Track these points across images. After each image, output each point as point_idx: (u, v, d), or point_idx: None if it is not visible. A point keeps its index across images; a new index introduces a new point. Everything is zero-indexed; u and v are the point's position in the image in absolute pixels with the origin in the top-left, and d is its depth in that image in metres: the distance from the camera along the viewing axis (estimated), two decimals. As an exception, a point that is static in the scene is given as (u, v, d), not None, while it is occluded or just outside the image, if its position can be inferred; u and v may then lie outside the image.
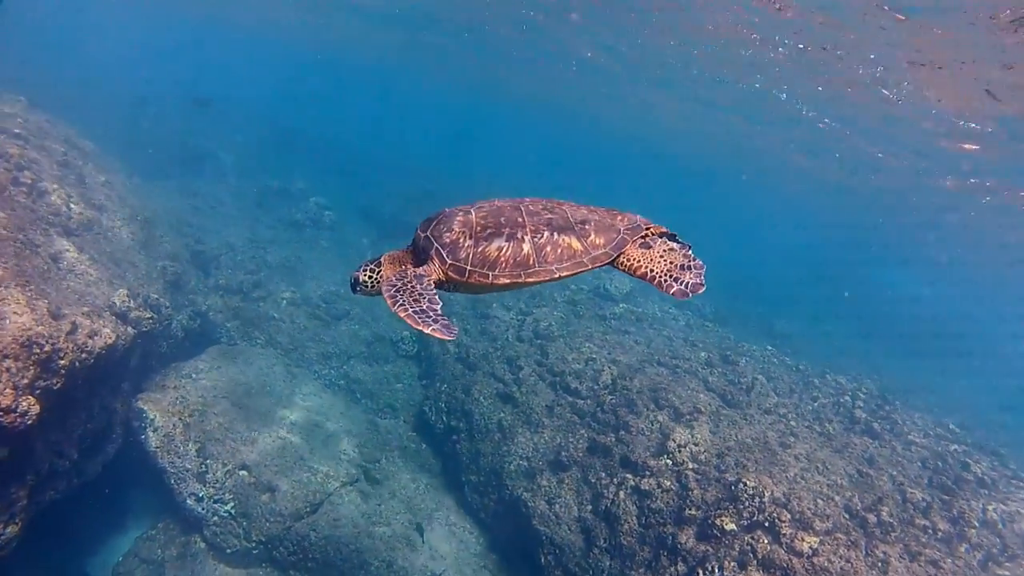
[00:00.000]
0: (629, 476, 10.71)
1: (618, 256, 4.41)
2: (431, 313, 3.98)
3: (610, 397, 12.43)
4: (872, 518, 9.86)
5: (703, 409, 12.31)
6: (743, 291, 26.94)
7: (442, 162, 36.39)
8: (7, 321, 8.32)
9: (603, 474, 11.07)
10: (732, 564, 8.85)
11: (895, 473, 11.88)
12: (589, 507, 10.91)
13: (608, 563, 10.15)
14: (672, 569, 9.46)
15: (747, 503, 9.54)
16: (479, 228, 4.19)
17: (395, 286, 4.14)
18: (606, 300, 18.23)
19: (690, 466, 10.57)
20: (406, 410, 14.72)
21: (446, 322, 3.96)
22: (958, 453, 13.21)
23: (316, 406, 13.30)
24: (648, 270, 4.45)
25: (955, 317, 40.82)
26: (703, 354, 15.44)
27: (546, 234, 4.20)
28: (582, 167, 61.35)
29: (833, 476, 11.09)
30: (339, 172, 30.49)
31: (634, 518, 10.25)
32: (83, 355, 9.28)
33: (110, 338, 9.95)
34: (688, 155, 45.94)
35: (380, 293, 4.34)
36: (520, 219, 4.22)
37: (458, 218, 4.25)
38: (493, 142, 59.59)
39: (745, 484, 9.74)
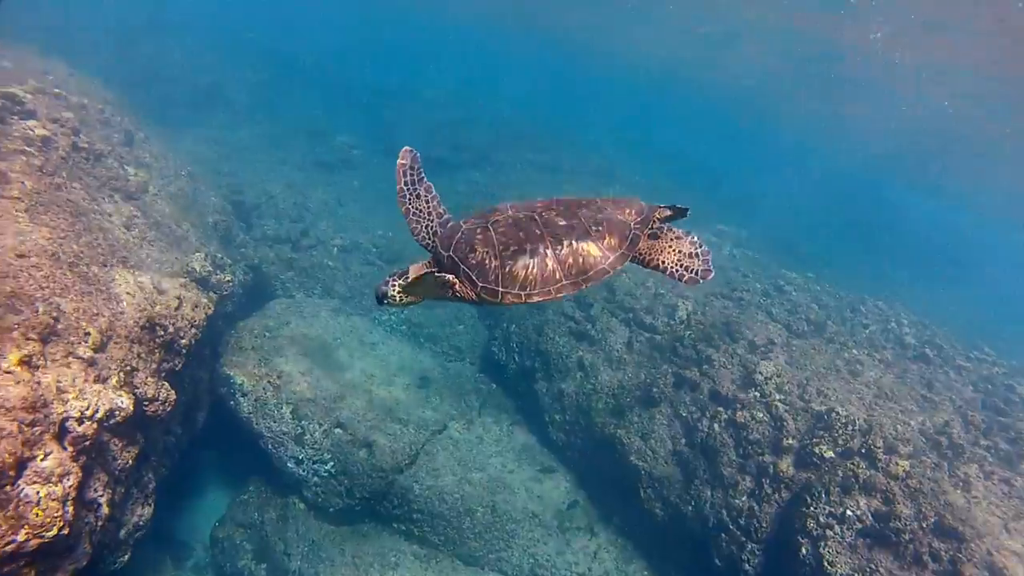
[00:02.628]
0: (721, 409, 10.80)
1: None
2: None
3: (687, 332, 12.43)
4: (944, 440, 10.33)
5: (776, 340, 12.47)
6: (770, 217, 26.85)
7: (462, 94, 34.93)
8: (123, 304, 7.96)
9: (694, 408, 11.15)
10: (836, 489, 9.08)
11: (953, 396, 12.33)
12: (684, 441, 11.03)
13: (709, 493, 10.33)
14: (776, 496, 9.67)
15: (841, 431, 9.77)
16: (501, 247, 4.21)
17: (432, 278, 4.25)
18: None
19: (777, 397, 10.71)
20: (471, 351, 14.61)
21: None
22: (1000, 375, 13.61)
23: (387, 354, 13.14)
24: (659, 262, 4.70)
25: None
26: (757, 285, 15.50)
27: (566, 245, 4.26)
28: (608, 97, 59.57)
29: (903, 402, 11.44)
30: (358, 107, 29.30)
31: (732, 450, 10.40)
32: (194, 331, 9.03)
33: (208, 308, 9.68)
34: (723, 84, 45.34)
35: (411, 303, 4.52)
36: (538, 231, 4.27)
37: (478, 237, 4.26)
38: (514, 73, 57.45)
39: (838, 413, 9.99)
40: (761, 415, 10.39)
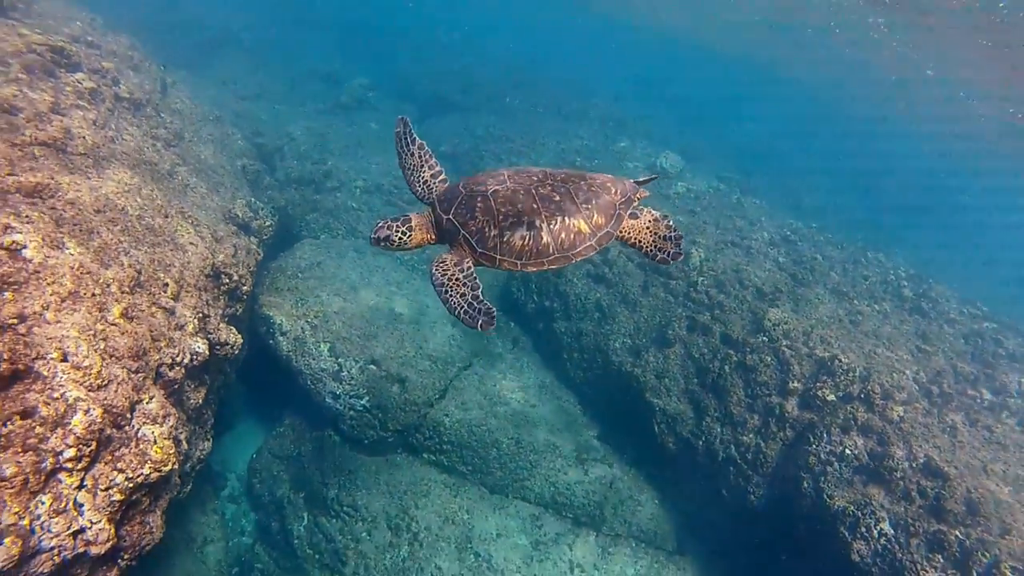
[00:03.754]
0: (732, 352, 11.49)
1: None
2: (476, 304, 4.67)
3: (700, 278, 13.04)
4: (935, 389, 11.10)
5: (782, 289, 13.11)
6: (765, 164, 26.95)
7: (477, 39, 34.49)
8: (188, 253, 8.45)
9: (706, 350, 11.82)
10: (836, 430, 9.96)
11: (946, 348, 13.00)
12: (696, 380, 11.74)
13: (719, 430, 11.10)
14: (781, 435, 10.51)
15: (842, 377, 10.56)
16: (500, 216, 4.66)
17: (442, 283, 4.73)
18: (663, 178, 18.42)
19: (784, 343, 11.39)
20: (491, 290, 15.18)
21: (490, 311, 4.68)
22: (990, 331, 14.20)
23: (413, 292, 13.69)
24: (637, 241, 5.32)
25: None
26: (765, 234, 15.98)
27: (559, 220, 4.73)
28: (622, 44, 58.28)
29: (899, 352, 12.13)
30: (369, 49, 29.17)
31: (741, 390, 11.15)
32: (250, 275, 9.54)
33: (258, 255, 10.22)
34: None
35: (405, 251, 5.11)
36: (535, 205, 4.70)
37: (478, 205, 4.69)
38: (530, 20, 56.04)
39: (840, 360, 10.74)
40: (769, 359, 11.11)
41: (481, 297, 4.74)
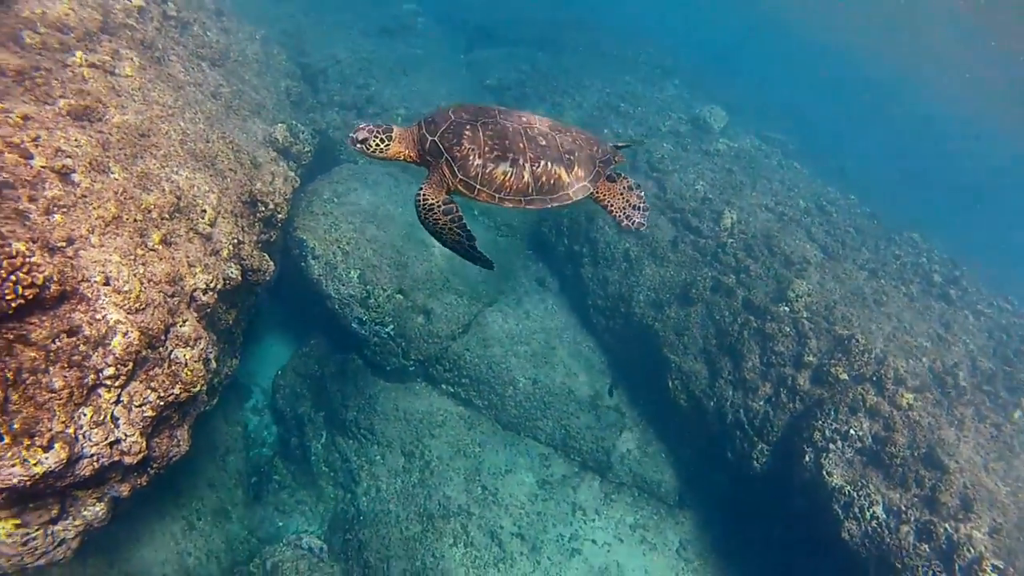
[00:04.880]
0: (752, 318, 11.64)
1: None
2: (473, 253, 4.89)
3: (730, 240, 13.10)
4: (950, 380, 11.10)
5: (810, 260, 13.09)
6: (811, 130, 26.26)
7: None
8: (227, 180, 8.68)
9: (727, 313, 11.97)
10: (845, 409, 10.11)
11: (967, 340, 12.95)
12: (714, 341, 11.93)
13: (731, 393, 11.33)
14: (790, 406, 10.72)
15: (857, 357, 10.66)
16: (487, 148, 4.75)
17: (436, 231, 4.90)
18: (706, 133, 18.09)
19: (804, 315, 11.52)
20: (522, 229, 15.33)
21: (485, 258, 4.93)
22: (1017, 326, 14.08)
23: (444, 226, 13.86)
24: (609, 204, 5.52)
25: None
26: (801, 202, 15.80)
27: (542, 164, 4.87)
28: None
29: (919, 338, 12.15)
30: None
31: (757, 356, 11.33)
32: (285, 204, 9.76)
33: (295, 182, 10.42)
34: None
35: (378, 159, 5.05)
36: (521, 144, 4.82)
37: (466, 132, 4.77)
38: None
39: (858, 340, 10.82)
40: (788, 329, 11.25)
41: (476, 246, 4.91)
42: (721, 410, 11.29)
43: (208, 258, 7.38)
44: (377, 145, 4.95)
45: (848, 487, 9.35)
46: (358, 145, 4.97)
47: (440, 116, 4.89)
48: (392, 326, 11.80)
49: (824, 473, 9.61)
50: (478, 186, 4.76)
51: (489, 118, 4.87)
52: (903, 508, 8.98)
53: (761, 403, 10.91)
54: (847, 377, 10.46)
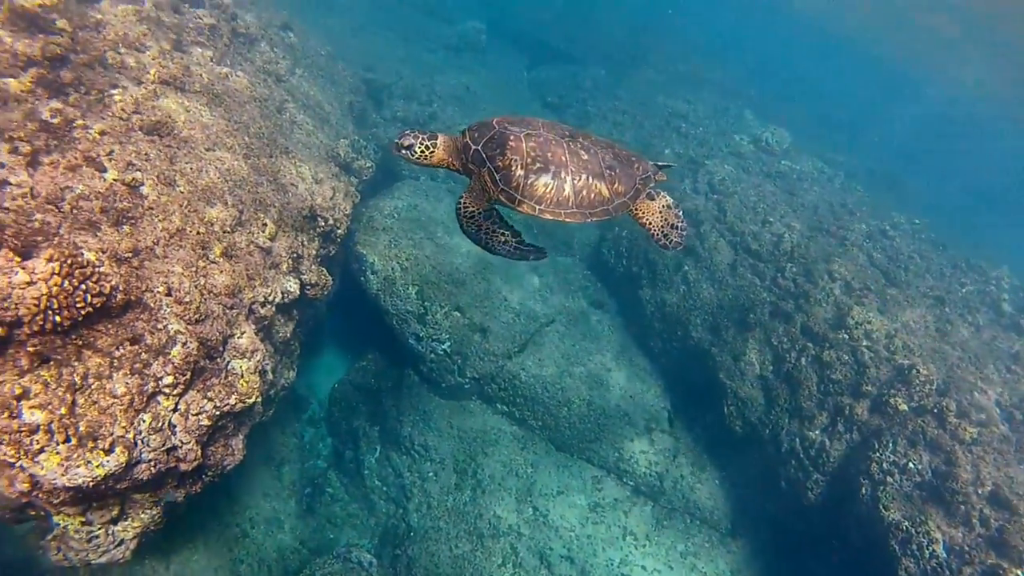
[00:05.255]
0: (810, 345, 11.31)
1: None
2: (520, 249, 4.92)
3: (789, 264, 12.80)
4: (1018, 415, 10.48)
5: (872, 287, 12.61)
6: (875, 152, 25.65)
7: None
8: (288, 195, 8.85)
9: (785, 339, 11.67)
10: (904, 441, 9.70)
11: None
12: (771, 368, 11.65)
13: (787, 421, 11.02)
14: (847, 436, 10.36)
15: (918, 388, 10.19)
16: (529, 160, 4.72)
17: (477, 237, 4.93)
18: (768, 155, 17.80)
19: (864, 343, 11.10)
20: (581, 249, 15.32)
21: (536, 249, 4.96)
22: None
23: (503, 244, 13.90)
24: (647, 222, 5.48)
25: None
26: (863, 225, 15.30)
27: (583, 178, 4.85)
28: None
29: (985, 370, 11.52)
30: None
31: (814, 385, 10.99)
32: (345, 219, 9.91)
33: (356, 197, 10.59)
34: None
35: (421, 165, 5.14)
36: (564, 158, 4.80)
37: (510, 143, 4.73)
38: None
39: (918, 371, 10.33)
40: (846, 358, 10.90)
41: (523, 239, 4.94)
42: (776, 438, 11.02)
43: (267, 271, 7.52)
44: (422, 151, 5.01)
45: (906, 523, 8.95)
46: (403, 151, 5.03)
47: (485, 125, 4.92)
48: (449, 343, 11.83)
49: (881, 507, 9.24)
50: (519, 197, 4.75)
51: (533, 130, 4.88)
52: (966, 549, 8.56)
53: (817, 432, 10.61)
54: (907, 408, 10.07)
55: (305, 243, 8.73)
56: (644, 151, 16.01)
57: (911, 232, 16.06)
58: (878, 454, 9.67)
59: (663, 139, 17.69)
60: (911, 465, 9.46)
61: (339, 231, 9.59)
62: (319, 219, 9.16)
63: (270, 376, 7.68)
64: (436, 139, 5.04)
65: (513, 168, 4.71)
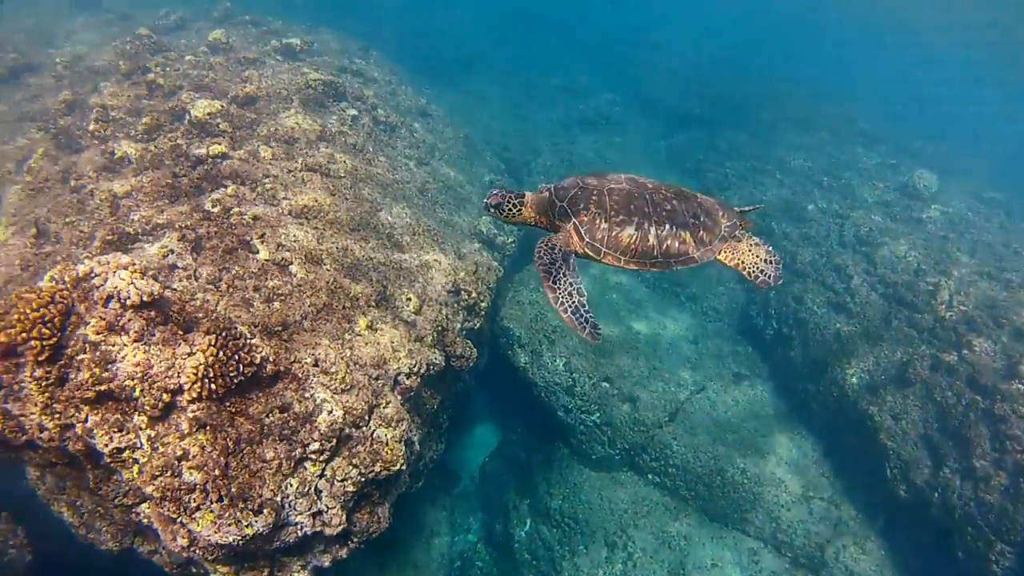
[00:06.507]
0: (978, 398, 10.44)
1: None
2: (582, 311, 4.85)
3: (948, 313, 11.98)
4: None
5: None
6: None
7: (712, 45, 33.43)
8: (432, 270, 9.21)
9: (949, 393, 10.84)
10: None
11: None
12: (935, 425, 10.81)
13: (958, 483, 10.09)
14: (1035, 499, 9.35)
15: None
16: (612, 212, 4.78)
17: (549, 268, 4.88)
18: (915, 200, 16.95)
19: (1043, 394, 10.14)
20: (730, 314, 14.99)
21: (594, 323, 4.86)
22: None
23: (652, 312, 13.86)
24: (739, 262, 5.44)
25: None
26: None
27: (667, 227, 4.88)
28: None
29: None
30: (612, 62, 29.42)
31: (986, 442, 10.07)
32: (489, 292, 10.18)
33: (499, 272, 10.85)
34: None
35: (511, 223, 5.23)
36: (647, 208, 4.84)
37: (593, 198, 4.82)
38: (768, 20, 52.50)
39: None
40: (1023, 410, 9.97)
41: (587, 306, 4.94)
42: (948, 503, 10.10)
43: (412, 344, 7.81)
44: (509, 210, 5.21)
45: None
46: (491, 210, 5.25)
47: (570, 183, 5.09)
48: (598, 414, 11.78)
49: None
50: (604, 249, 4.89)
51: (615, 184, 5.00)
52: None
53: (996, 495, 9.65)
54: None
55: (450, 316, 9.03)
56: (788, 208, 15.67)
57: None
58: (1072, 519, 8.68)
59: (806, 195, 17.15)
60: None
61: (482, 304, 9.85)
62: (463, 293, 9.47)
63: (416, 447, 7.88)
64: (523, 197, 5.24)
65: (597, 221, 4.84)
